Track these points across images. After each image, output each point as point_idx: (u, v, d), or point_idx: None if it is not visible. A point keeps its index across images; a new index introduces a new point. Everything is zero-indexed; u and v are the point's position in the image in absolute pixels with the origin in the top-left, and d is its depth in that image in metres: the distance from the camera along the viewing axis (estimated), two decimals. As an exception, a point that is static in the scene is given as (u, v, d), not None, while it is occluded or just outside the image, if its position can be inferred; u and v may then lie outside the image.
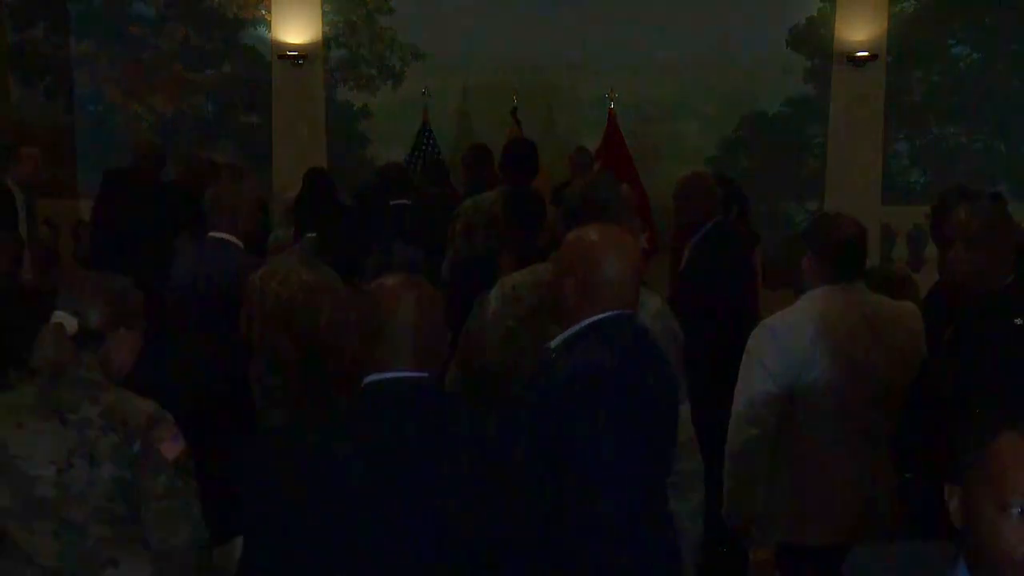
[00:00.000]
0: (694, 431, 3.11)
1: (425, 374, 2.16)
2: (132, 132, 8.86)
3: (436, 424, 2.14)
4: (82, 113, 8.95)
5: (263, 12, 8.82)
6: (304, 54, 8.66)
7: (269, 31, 8.77)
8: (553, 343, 2.51)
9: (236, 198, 4.25)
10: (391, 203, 5.66)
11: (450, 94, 8.78)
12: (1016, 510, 1.61)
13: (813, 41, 8.63)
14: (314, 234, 3.95)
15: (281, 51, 8.68)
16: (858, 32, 8.42)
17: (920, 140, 8.71)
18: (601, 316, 2.46)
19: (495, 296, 3.39)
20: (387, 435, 2.10)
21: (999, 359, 2.79)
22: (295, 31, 8.69)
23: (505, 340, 3.28)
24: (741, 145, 8.76)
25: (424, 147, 8.22)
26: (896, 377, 3.12)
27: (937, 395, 2.93)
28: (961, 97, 8.60)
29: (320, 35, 8.75)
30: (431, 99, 8.50)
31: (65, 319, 2.41)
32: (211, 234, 4.16)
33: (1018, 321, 2.83)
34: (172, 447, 2.37)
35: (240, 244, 4.15)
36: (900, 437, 3.09)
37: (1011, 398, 2.65)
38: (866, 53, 8.35)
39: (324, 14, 8.78)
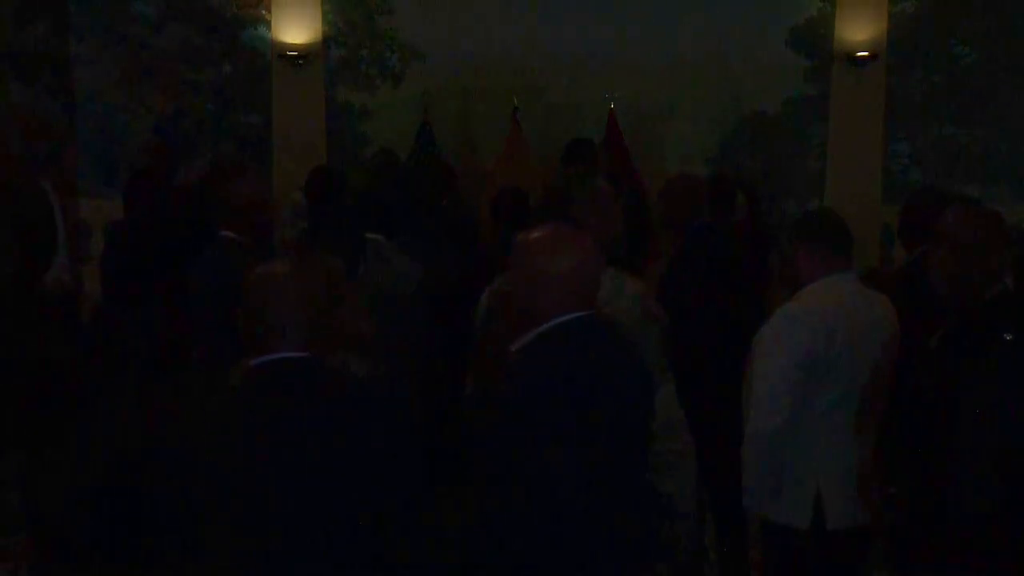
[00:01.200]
0: (681, 412, 3.12)
1: (306, 354, 2.27)
2: (132, 132, 8.87)
3: (317, 403, 2.25)
4: (82, 113, 8.95)
5: (263, 12, 8.82)
6: (304, 54, 8.65)
7: (269, 31, 8.77)
8: (514, 347, 2.46)
9: (238, 197, 4.32)
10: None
11: (450, 94, 8.78)
12: None
13: (813, 41, 8.62)
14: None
15: (281, 51, 8.68)
16: (858, 32, 8.42)
17: (920, 140, 8.71)
18: (560, 320, 2.41)
19: (483, 300, 3.42)
20: (270, 414, 2.22)
21: (987, 375, 2.74)
22: (295, 31, 8.69)
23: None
24: (741, 145, 8.76)
25: (424, 148, 8.21)
26: (886, 366, 3.17)
27: (923, 407, 2.90)
28: (961, 97, 8.60)
29: (320, 35, 8.75)
30: (431, 99, 8.50)
31: None
32: (221, 232, 4.25)
33: (1008, 336, 2.79)
34: None
35: (243, 241, 4.19)
36: (885, 449, 3.07)
37: (999, 417, 2.64)
38: (866, 53, 8.35)
39: (324, 14, 8.77)
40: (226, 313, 3.91)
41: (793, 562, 3.23)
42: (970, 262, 2.90)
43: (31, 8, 8.85)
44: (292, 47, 8.65)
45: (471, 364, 3.47)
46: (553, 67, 8.70)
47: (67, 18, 8.89)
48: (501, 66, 8.69)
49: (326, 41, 8.80)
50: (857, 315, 3.15)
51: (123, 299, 5.19)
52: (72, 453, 3.16)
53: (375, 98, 8.91)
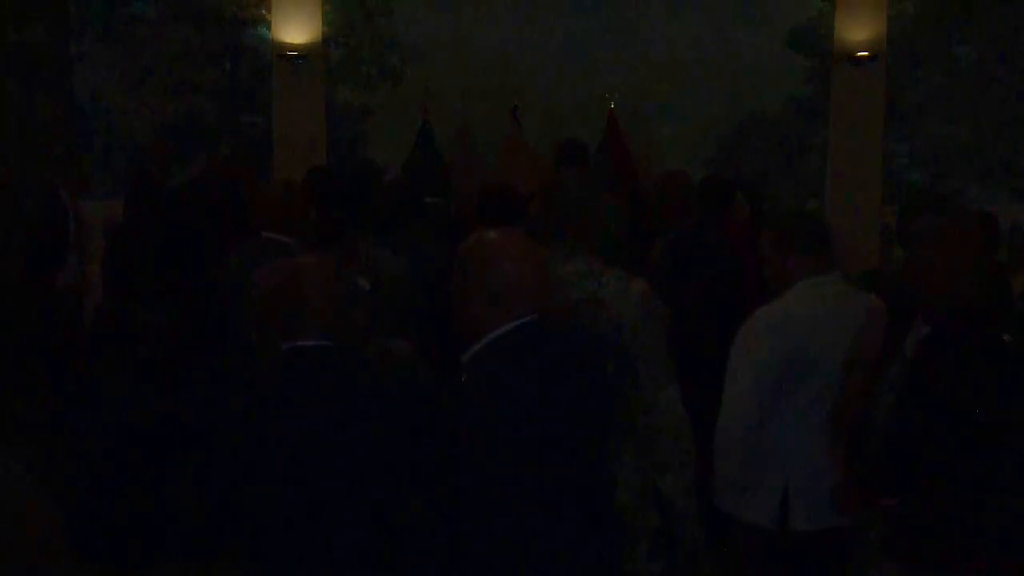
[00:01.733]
0: (684, 412, 3.12)
1: (327, 343, 2.43)
2: (132, 132, 8.87)
3: (330, 386, 2.41)
4: (82, 113, 8.96)
5: (263, 12, 8.82)
6: (304, 54, 8.66)
7: (269, 31, 8.77)
8: (464, 357, 2.41)
9: (282, 197, 4.39)
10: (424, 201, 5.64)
11: (450, 94, 8.78)
12: None
13: (813, 41, 8.63)
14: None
15: (281, 51, 8.68)
16: (858, 32, 8.42)
17: (920, 140, 8.72)
18: (509, 327, 2.36)
19: None
20: (286, 395, 2.40)
21: (988, 378, 2.69)
22: (295, 31, 8.69)
23: None
24: (741, 145, 8.76)
25: (424, 147, 8.21)
26: (862, 368, 3.17)
27: (917, 418, 2.85)
28: (961, 97, 8.61)
29: (320, 35, 8.75)
30: (431, 99, 8.50)
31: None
32: (264, 234, 4.29)
33: (1006, 337, 2.76)
34: None
35: (286, 241, 4.24)
36: (878, 461, 3.00)
37: (1007, 421, 2.62)
38: (866, 53, 8.35)
39: (324, 14, 8.78)
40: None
41: (763, 562, 3.24)
42: (940, 267, 2.82)
43: (31, 8, 8.85)
44: (292, 47, 8.66)
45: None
46: (553, 67, 8.70)
47: (67, 18, 8.89)
48: (501, 66, 8.70)
49: (326, 41, 8.81)
50: (835, 317, 3.14)
51: (126, 299, 5.20)
52: (82, 447, 3.18)
53: (375, 98, 8.91)
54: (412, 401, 2.47)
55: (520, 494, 2.32)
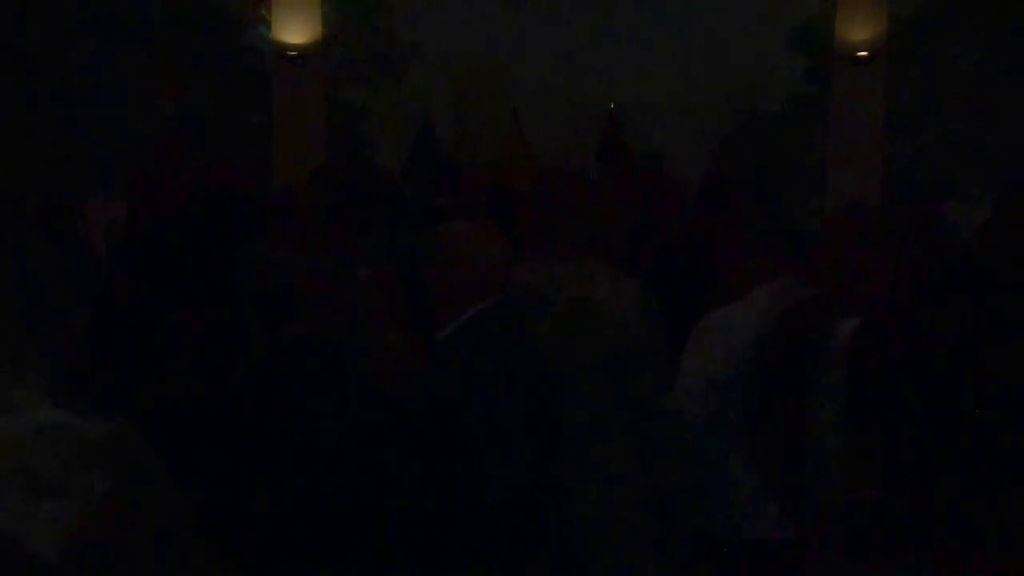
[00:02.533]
0: (684, 410, 3.13)
1: (319, 333, 2.58)
2: (132, 132, 8.89)
3: (318, 376, 2.56)
4: (82, 113, 8.97)
5: (263, 12, 8.83)
6: (304, 54, 8.66)
7: (269, 31, 8.78)
8: (440, 335, 2.58)
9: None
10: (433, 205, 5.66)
11: (450, 94, 8.79)
12: None
13: (813, 41, 8.63)
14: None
15: (281, 51, 8.68)
16: (858, 32, 8.43)
17: (920, 140, 8.72)
18: (483, 305, 2.53)
19: None
20: (277, 386, 2.58)
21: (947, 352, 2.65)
22: (295, 31, 8.70)
23: None
24: (741, 144, 8.77)
25: (423, 146, 8.22)
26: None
27: (882, 406, 2.82)
28: (961, 97, 8.61)
29: (320, 35, 8.75)
30: (432, 98, 8.51)
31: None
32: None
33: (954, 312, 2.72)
34: None
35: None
36: (852, 451, 2.95)
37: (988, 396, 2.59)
38: (866, 53, 8.36)
39: (324, 14, 8.78)
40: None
41: (721, 572, 3.21)
42: (846, 261, 2.76)
43: (31, 8, 8.86)
44: (292, 47, 8.66)
45: None
46: (553, 66, 8.71)
47: (67, 18, 8.91)
48: (501, 66, 8.71)
49: (326, 41, 8.81)
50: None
51: (131, 300, 5.20)
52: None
53: (376, 97, 8.93)
54: (396, 390, 2.55)
55: (499, 462, 2.40)
